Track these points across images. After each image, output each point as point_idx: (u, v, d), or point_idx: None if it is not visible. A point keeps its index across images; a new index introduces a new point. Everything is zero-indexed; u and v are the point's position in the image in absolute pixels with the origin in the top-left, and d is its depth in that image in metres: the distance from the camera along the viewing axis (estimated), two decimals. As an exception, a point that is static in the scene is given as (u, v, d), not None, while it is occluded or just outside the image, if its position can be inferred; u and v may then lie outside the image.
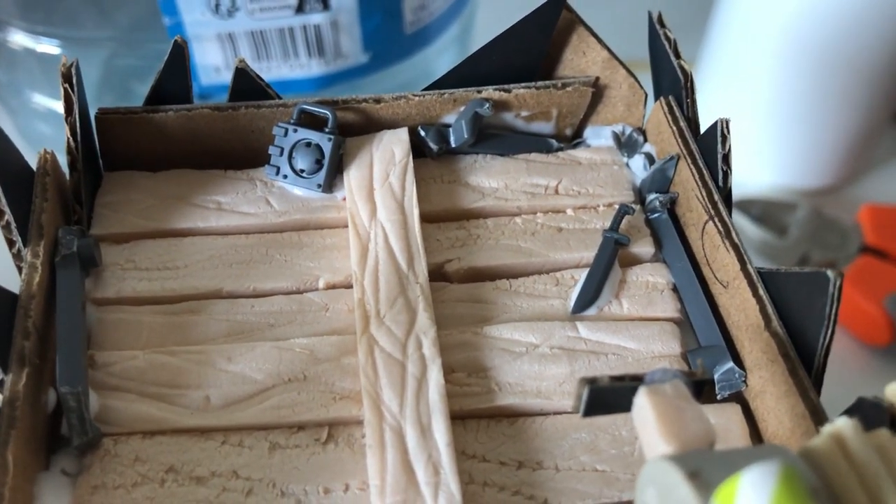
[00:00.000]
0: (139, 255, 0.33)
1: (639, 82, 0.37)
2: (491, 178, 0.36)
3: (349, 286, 0.32)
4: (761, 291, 0.30)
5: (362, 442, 0.28)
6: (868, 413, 0.24)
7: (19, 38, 0.47)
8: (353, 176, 0.34)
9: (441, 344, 0.30)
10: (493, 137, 0.37)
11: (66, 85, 0.32)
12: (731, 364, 0.31)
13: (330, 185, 0.34)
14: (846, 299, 0.47)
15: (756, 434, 0.30)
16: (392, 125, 0.36)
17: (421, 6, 0.49)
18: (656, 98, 0.37)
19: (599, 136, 0.38)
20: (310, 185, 0.34)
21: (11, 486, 0.24)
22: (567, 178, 0.36)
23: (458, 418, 0.29)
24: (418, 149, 0.36)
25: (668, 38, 0.35)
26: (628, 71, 0.37)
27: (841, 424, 0.21)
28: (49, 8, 0.45)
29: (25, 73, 0.49)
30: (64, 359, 0.28)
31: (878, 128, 0.54)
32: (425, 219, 0.34)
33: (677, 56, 0.35)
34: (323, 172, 0.34)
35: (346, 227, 0.34)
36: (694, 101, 0.35)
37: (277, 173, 0.35)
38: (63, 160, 0.33)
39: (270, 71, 0.47)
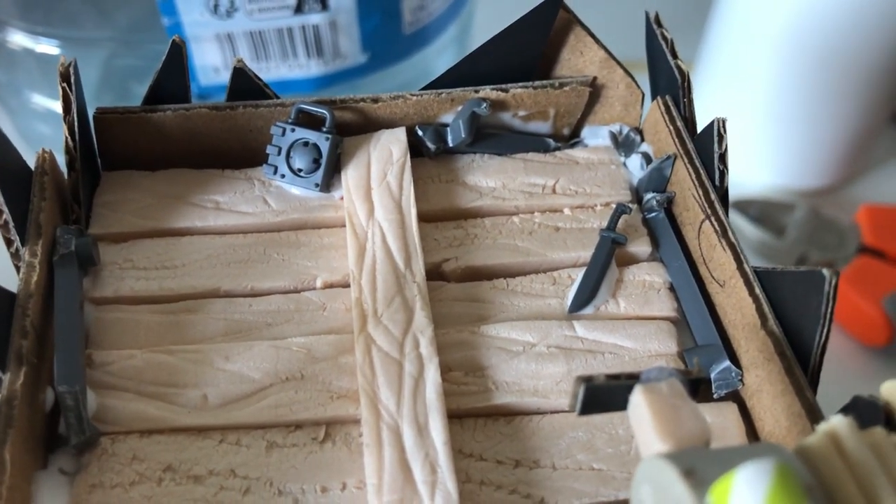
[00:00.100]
0: (137, 255, 0.33)
1: (636, 82, 0.37)
2: (488, 178, 0.36)
3: (347, 285, 0.33)
4: (757, 290, 0.30)
5: (359, 441, 0.29)
6: (863, 411, 0.24)
7: (18, 39, 0.47)
8: (350, 175, 0.34)
9: (438, 343, 0.30)
10: (491, 137, 0.37)
11: (65, 84, 0.32)
12: (727, 363, 0.31)
13: (327, 184, 0.35)
14: (844, 300, 0.47)
15: (752, 433, 0.30)
16: (390, 125, 0.36)
17: (420, 6, 0.49)
18: (653, 98, 0.38)
19: (597, 136, 0.38)
20: (307, 185, 0.34)
21: (9, 485, 0.24)
22: (564, 178, 0.36)
23: (455, 417, 0.29)
24: (416, 148, 0.36)
25: (665, 38, 0.35)
26: (625, 71, 0.37)
27: (836, 423, 0.21)
28: (48, 8, 0.45)
29: (24, 74, 0.49)
30: (62, 358, 0.28)
31: (876, 128, 0.54)
32: (423, 218, 0.34)
33: (674, 56, 0.35)
34: (320, 172, 0.34)
35: (344, 226, 0.34)
36: (691, 101, 0.35)
37: (275, 173, 0.35)
38: (62, 160, 0.33)
39: (269, 71, 0.48)
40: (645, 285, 0.33)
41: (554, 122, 0.38)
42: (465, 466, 0.28)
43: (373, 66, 0.50)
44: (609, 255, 0.33)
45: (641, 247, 0.34)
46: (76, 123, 0.32)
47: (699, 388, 0.23)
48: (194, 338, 0.31)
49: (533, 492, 0.28)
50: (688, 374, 0.23)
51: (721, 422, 0.29)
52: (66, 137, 0.32)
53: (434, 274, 0.33)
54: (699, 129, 0.34)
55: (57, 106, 0.49)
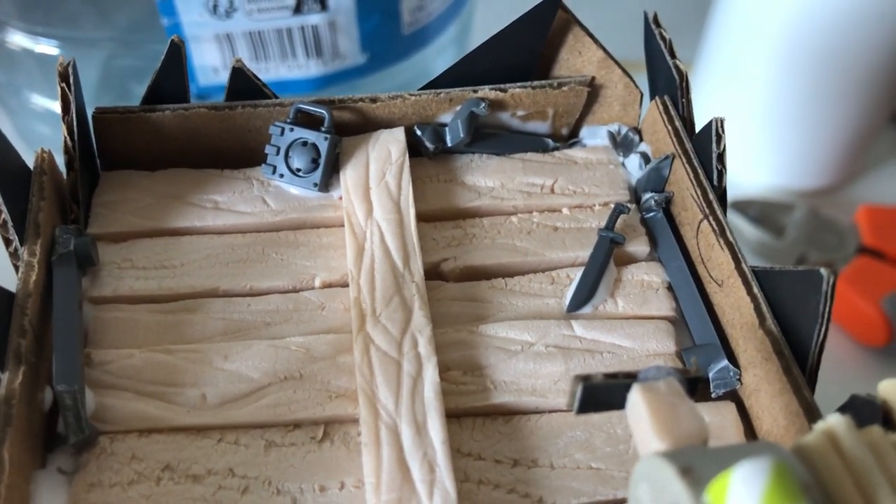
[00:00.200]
0: (136, 254, 0.33)
1: (634, 82, 0.37)
2: (487, 178, 0.36)
3: (345, 285, 0.33)
4: (755, 290, 0.30)
5: (358, 440, 0.29)
6: (861, 410, 0.24)
7: (18, 39, 0.47)
8: (349, 175, 0.34)
9: (437, 342, 0.30)
10: (490, 137, 0.37)
11: (64, 84, 0.32)
12: (725, 362, 0.31)
13: (326, 184, 0.35)
14: (844, 300, 0.47)
15: (751, 432, 0.30)
16: (388, 124, 0.36)
17: (419, 7, 0.49)
18: (652, 98, 0.38)
19: (595, 136, 0.38)
20: (306, 185, 0.34)
21: (8, 483, 0.24)
22: (563, 178, 0.36)
23: (453, 416, 0.29)
24: (414, 148, 0.36)
25: (663, 38, 0.35)
26: (624, 71, 0.37)
27: (833, 421, 0.21)
28: (48, 8, 0.45)
29: (24, 74, 0.50)
30: (60, 357, 0.28)
31: (875, 128, 0.54)
32: (421, 218, 0.34)
33: (673, 56, 0.35)
34: (319, 171, 0.34)
35: (343, 226, 0.34)
36: (689, 101, 0.35)
37: (274, 172, 0.35)
38: (60, 160, 0.33)
39: (268, 71, 0.48)
40: (643, 285, 0.33)
41: (552, 121, 0.38)
42: (463, 465, 0.28)
43: (372, 66, 0.50)
44: (607, 255, 0.33)
45: (640, 246, 0.34)
46: (75, 123, 0.32)
47: (697, 388, 0.23)
48: (193, 337, 0.31)
49: (531, 491, 0.28)
50: (686, 374, 0.23)
51: (719, 421, 0.29)
52: (65, 137, 0.32)
53: (432, 273, 0.33)
54: (698, 128, 0.34)
55: (56, 106, 0.49)
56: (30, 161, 0.32)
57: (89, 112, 0.35)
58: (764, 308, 0.29)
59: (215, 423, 0.29)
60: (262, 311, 0.32)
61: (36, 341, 0.28)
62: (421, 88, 0.36)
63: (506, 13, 0.36)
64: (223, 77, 0.47)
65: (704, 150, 0.33)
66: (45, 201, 0.31)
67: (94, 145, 0.36)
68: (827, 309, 0.27)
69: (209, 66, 0.47)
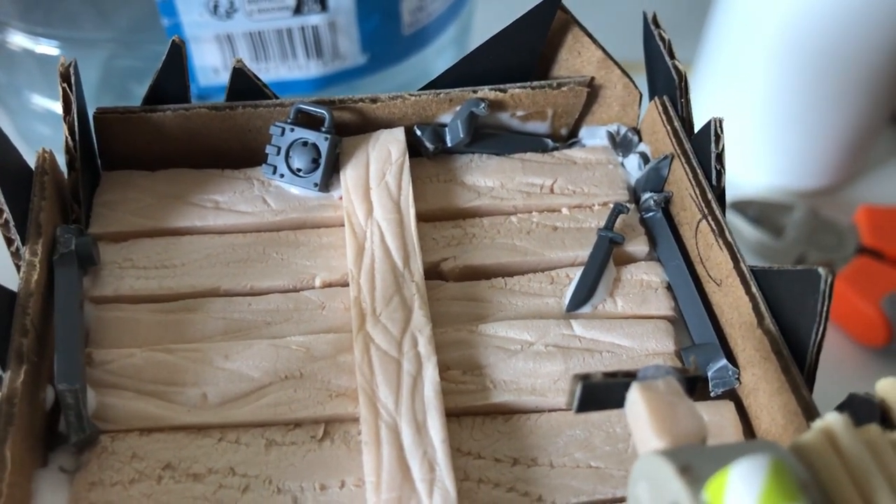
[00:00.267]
0: (137, 254, 0.33)
1: (633, 82, 0.37)
2: (487, 178, 0.36)
3: (345, 284, 0.33)
4: (754, 289, 0.30)
5: (358, 439, 0.29)
6: (859, 409, 0.24)
7: (18, 39, 0.47)
8: (349, 175, 0.34)
9: (436, 342, 0.30)
10: (489, 137, 0.37)
11: (65, 84, 0.33)
12: (724, 361, 0.31)
13: (326, 184, 0.35)
14: (843, 300, 0.47)
15: (749, 431, 0.30)
16: (388, 125, 0.36)
17: (419, 7, 0.49)
18: (651, 98, 0.38)
19: (594, 136, 0.38)
20: (306, 185, 0.35)
21: (9, 482, 0.24)
22: (562, 178, 0.36)
23: (453, 415, 0.29)
24: (414, 148, 0.36)
25: (662, 39, 0.35)
26: (623, 71, 0.37)
27: (831, 420, 0.21)
28: (48, 9, 0.46)
29: (24, 74, 0.50)
30: (62, 356, 0.28)
31: (874, 129, 0.54)
32: (421, 218, 0.34)
33: (672, 56, 0.35)
34: (319, 171, 0.34)
35: (343, 225, 0.34)
36: (688, 101, 0.35)
37: (274, 172, 0.35)
38: (62, 160, 0.33)
39: (269, 72, 0.48)
40: (642, 284, 0.33)
41: (552, 122, 0.38)
42: (463, 464, 0.28)
43: (372, 66, 0.50)
44: (607, 255, 0.33)
45: (639, 246, 0.34)
46: (76, 123, 0.33)
47: (696, 387, 0.24)
48: (194, 337, 0.31)
49: (531, 489, 0.28)
50: (685, 373, 0.23)
51: (718, 420, 0.30)
52: (66, 137, 0.32)
53: (432, 273, 0.34)
54: (697, 129, 0.35)
55: (57, 106, 0.49)
56: (31, 161, 0.32)
57: (90, 112, 0.35)
58: (762, 307, 0.30)
59: (216, 422, 0.29)
60: (263, 310, 0.32)
61: (38, 340, 0.28)
62: (421, 89, 0.36)
63: (505, 14, 0.36)
64: (223, 77, 0.47)
65: (703, 150, 0.33)
66: (47, 201, 0.31)
67: (96, 145, 0.36)
68: (825, 308, 0.27)
69: (209, 66, 0.47)
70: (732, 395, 0.31)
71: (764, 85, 0.52)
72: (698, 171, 0.33)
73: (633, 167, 0.37)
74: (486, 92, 0.36)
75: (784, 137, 0.54)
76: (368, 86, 0.50)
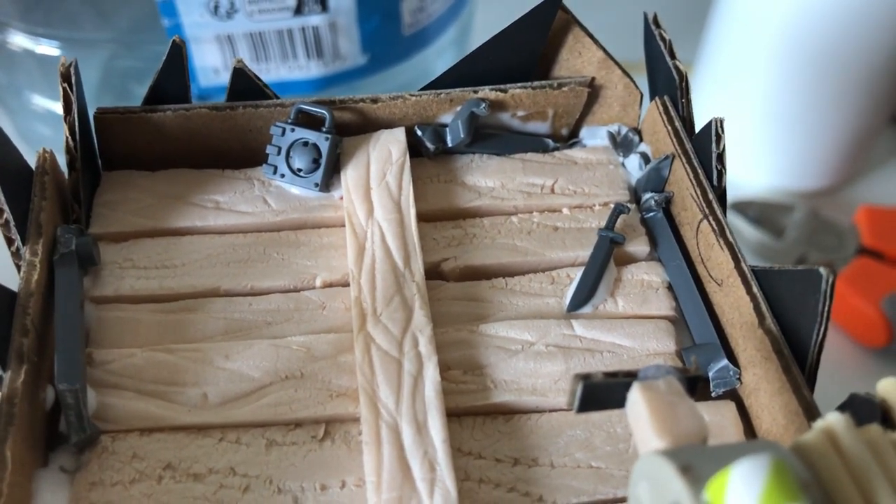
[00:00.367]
0: (137, 254, 0.33)
1: (634, 82, 0.37)
2: (487, 178, 0.36)
3: (346, 284, 0.33)
4: (755, 289, 0.30)
5: (359, 439, 0.29)
6: (860, 409, 0.24)
7: (19, 40, 0.47)
8: (350, 175, 0.34)
9: (437, 342, 0.30)
10: (490, 137, 0.37)
11: (65, 84, 0.33)
12: (725, 361, 0.31)
13: (327, 184, 0.35)
14: (843, 301, 0.47)
15: (750, 431, 0.30)
16: (389, 125, 0.36)
17: (419, 8, 0.49)
18: (652, 98, 0.38)
19: (595, 136, 0.38)
20: (307, 185, 0.34)
21: (10, 482, 0.24)
22: (563, 178, 0.36)
23: (453, 415, 0.29)
24: (415, 148, 0.36)
25: (663, 39, 0.35)
26: (624, 71, 0.37)
27: (832, 420, 0.21)
28: (49, 9, 0.46)
29: (25, 75, 0.50)
30: (62, 356, 0.28)
31: (875, 129, 0.54)
32: (422, 218, 0.34)
33: (672, 56, 0.35)
34: (320, 172, 0.34)
35: (343, 226, 0.34)
36: (689, 101, 0.35)
37: (275, 172, 0.35)
38: (62, 160, 0.33)
39: (269, 72, 0.48)
40: (643, 284, 0.33)
41: (552, 122, 0.38)
42: (463, 464, 0.28)
43: (372, 67, 0.50)
44: (607, 255, 0.33)
45: (640, 246, 0.34)
46: (77, 123, 0.33)
47: (697, 387, 0.23)
48: (194, 337, 0.31)
49: (531, 490, 0.28)
50: (685, 373, 0.23)
51: (719, 420, 0.30)
52: (67, 137, 0.32)
53: (433, 273, 0.34)
54: (697, 129, 0.35)
55: (57, 107, 0.49)
56: (31, 161, 0.32)
57: (91, 112, 0.35)
58: (763, 307, 0.30)
59: (216, 422, 0.29)
60: (263, 310, 0.32)
61: (38, 340, 0.28)
62: (422, 89, 0.36)
63: (506, 15, 0.36)
64: (224, 78, 0.47)
65: (704, 150, 0.33)
66: (47, 201, 0.31)
67: (96, 145, 0.36)
68: (826, 308, 0.27)
69: (210, 66, 0.47)
70: (733, 396, 0.31)
71: (764, 85, 0.52)
72: (699, 171, 0.33)
73: (633, 167, 0.37)
74: (486, 92, 0.36)
75: (784, 138, 0.54)
76: (369, 86, 0.50)
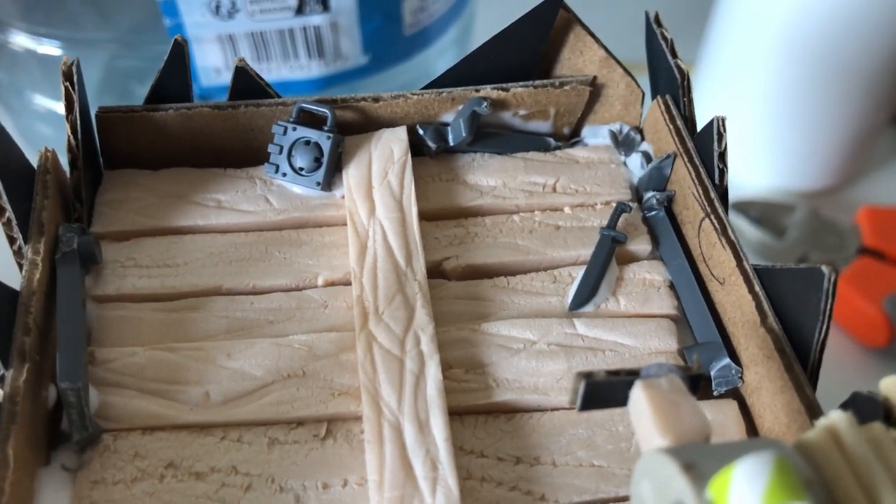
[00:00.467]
0: (139, 253, 0.33)
1: (636, 81, 0.37)
2: (489, 177, 0.36)
3: (348, 283, 0.33)
4: (757, 288, 0.30)
5: (361, 437, 0.29)
6: (862, 407, 0.24)
7: (20, 40, 0.47)
8: (351, 174, 0.34)
9: (439, 340, 0.30)
10: (492, 136, 0.37)
11: (67, 83, 0.33)
12: (727, 360, 0.31)
13: (329, 183, 0.35)
14: (845, 300, 0.47)
15: (752, 429, 0.30)
16: (391, 124, 0.36)
17: (420, 8, 0.49)
18: (653, 97, 0.38)
19: (597, 135, 0.38)
20: (309, 184, 0.35)
21: (12, 480, 0.24)
22: (565, 177, 0.36)
23: (455, 414, 0.29)
24: (417, 147, 0.36)
25: (664, 38, 0.35)
26: (625, 70, 0.37)
27: (835, 418, 0.21)
28: (50, 9, 0.46)
29: (26, 75, 0.50)
30: (64, 355, 0.28)
31: (876, 129, 0.54)
32: (424, 217, 0.34)
33: (674, 55, 0.35)
34: (322, 170, 0.34)
35: (345, 224, 0.34)
36: (690, 100, 0.35)
37: (277, 171, 0.35)
38: (64, 159, 0.33)
39: (270, 72, 0.48)
40: (645, 283, 0.33)
41: (554, 121, 0.38)
42: (465, 463, 0.28)
43: (374, 67, 0.50)
44: (609, 254, 0.33)
45: (641, 245, 0.34)
46: (79, 122, 0.33)
47: (699, 385, 0.23)
48: (196, 335, 0.31)
49: (533, 488, 0.28)
50: (688, 371, 0.23)
51: (721, 419, 0.30)
52: (69, 136, 0.32)
53: (435, 272, 0.34)
54: (699, 128, 0.35)
55: (58, 107, 0.49)
56: (32, 161, 0.32)
57: (92, 112, 0.35)
58: (765, 306, 0.30)
59: (218, 420, 0.29)
60: (266, 309, 0.32)
61: (40, 339, 0.28)
62: (423, 88, 0.36)
63: (507, 15, 0.36)
64: (225, 78, 0.47)
65: (706, 149, 0.33)
66: (49, 200, 0.31)
67: (98, 144, 0.36)
68: (828, 306, 0.27)
69: (211, 66, 0.47)
70: (735, 394, 0.31)
71: (765, 85, 0.52)
72: (701, 169, 0.33)
73: (635, 166, 0.37)
74: (488, 91, 0.36)
75: (785, 138, 0.54)
76: (370, 86, 0.50)
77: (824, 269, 0.27)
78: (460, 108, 0.36)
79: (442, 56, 0.54)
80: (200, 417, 0.29)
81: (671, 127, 0.35)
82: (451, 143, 0.36)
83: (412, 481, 0.27)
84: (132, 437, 0.28)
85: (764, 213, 0.52)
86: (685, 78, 0.35)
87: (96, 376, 0.29)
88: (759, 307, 0.30)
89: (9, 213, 0.30)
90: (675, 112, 0.36)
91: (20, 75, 0.50)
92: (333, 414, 0.29)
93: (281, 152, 0.35)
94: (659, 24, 0.36)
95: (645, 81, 0.38)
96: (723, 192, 0.33)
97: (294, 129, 0.35)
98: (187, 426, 0.29)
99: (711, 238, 0.32)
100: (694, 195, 0.33)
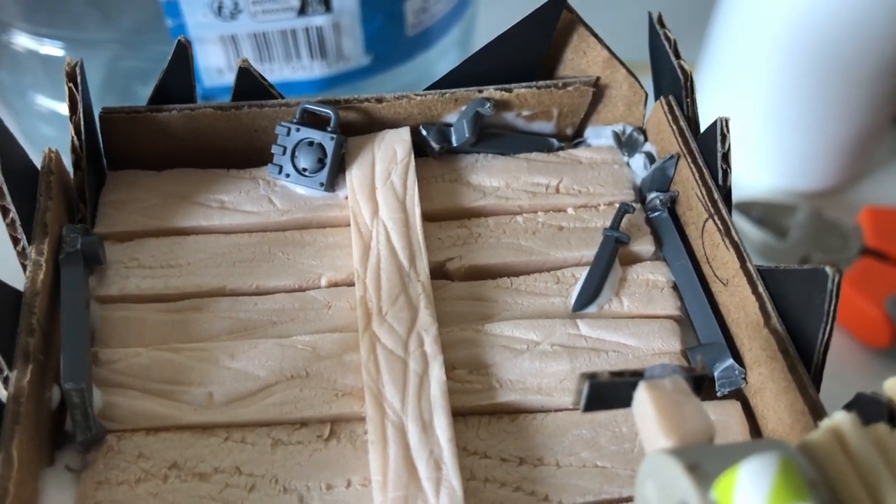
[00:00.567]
0: (143, 254, 0.33)
1: (639, 82, 0.37)
2: (492, 177, 0.36)
3: (351, 284, 0.33)
4: (760, 289, 0.30)
5: (364, 438, 0.29)
6: (866, 408, 0.24)
7: (23, 40, 0.47)
8: (355, 175, 0.34)
9: (442, 341, 0.30)
10: (495, 137, 0.37)
11: (71, 84, 0.33)
12: (730, 361, 0.31)
13: (332, 183, 0.35)
14: (847, 301, 0.47)
15: (756, 430, 0.30)
16: (394, 124, 0.36)
17: (422, 9, 0.49)
18: (656, 98, 0.38)
19: (600, 136, 0.38)
20: (312, 184, 0.35)
21: (16, 481, 0.24)
22: (568, 178, 0.36)
23: (459, 415, 0.29)
24: (420, 148, 0.36)
25: (668, 38, 0.35)
26: (628, 71, 0.37)
27: (839, 419, 0.21)
28: (52, 10, 0.46)
29: (29, 75, 0.50)
30: (68, 355, 0.28)
31: (878, 130, 0.54)
32: (427, 217, 0.34)
33: (677, 56, 0.35)
34: (325, 171, 0.34)
35: (349, 225, 0.34)
36: (694, 101, 0.35)
37: (280, 172, 0.35)
38: (67, 160, 0.33)
39: (273, 73, 0.48)
40: (648, 284, 0.33)
41: (557, 121, 0.38)
42: (469, 464, 0.28)
43: (376, 67, 0.50)
44: (612, 255, 0.33)
45: (645, 246, 0.34)
46: (82, 123, 0.33)
47: (703, 386, 0.23)
48: (200, 336, 0.31)
49: (537, 489, 0.28)
50: (691, 372, 0.23)
51: (724, 419, 0.30)
52: (73, 137, 0.32)
53: (438, 273, 0.34)
54: (702, 129, 0.35)
55: (61, 107, 0.49)
56: (35, 161, 0.32)
57: (95, 113, 0.35)
58: (769, 307, 0.30)
59: (222, 421, 0.29)
60: (269, 309, 0.32)
61: (44, 340, 0.28)
62: (426, 88, 0.36)
63: (508, 16, 0.36)
64: (228, 78, 0.47)
65: (709, 149, 0.33)
66: (53, 201, 0.31)
67: (101, 145, 0.36)
68: (832, 307, 0.27)
69: (214, 67, 0.47)
70: (739, 395, 0.31)
71: (767, 86, 0.52)
72: (704, 170, 0.33)
73: (638, 167, 0.37)
74: (491, 92, 0.36)
75: (788, 138, 0.54)
76: (372, 87, 0.51)
77: (828, 270, 0.27)
78: (463, 108, 0.36)
79: (444, 56, 0.54)
80: (204, 418, 0.29)
81: (674, 128, 0.35)
82: (455, 144, 0.36)
83: (416, 482, 0.27)
84: (136, 437, 0.28)
85: (766, 213, 0.52)
86: (688, 79, 0.35)
87: (100, 377, 0.29)
88: (762, 308, 0.30)
89: (13, 213, 0.30)
90: (678, 113, 0.36)
91: (22, 76, 0.50)
92: (337, 415, 0.29)
93: (284, 153, 0.35)
94: (662, 25, 0.36)
95: (648, 82, 0.38)
96: (726, 193, 0.33)
97: (297, 129, 0.35)
98: (191, 427, 0.29)
99: (715, 239, 0.32)
100: (697, 196, 0.33)
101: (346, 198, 0.35)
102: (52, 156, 0.33)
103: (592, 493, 0.28)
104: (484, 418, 0.30)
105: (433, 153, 0.37)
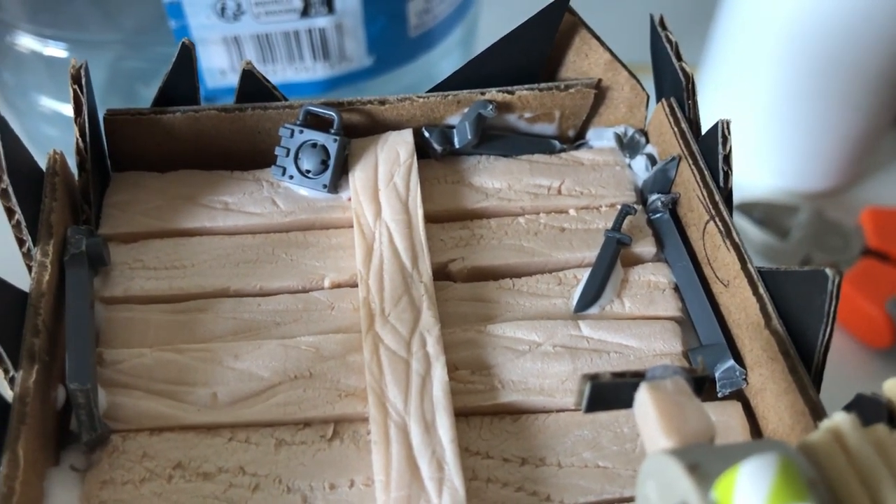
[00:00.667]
0: (147, 255, 0.33)
1: (640, 84, 0.37)
2: (494, 179, 0.36)
3: (354, 285, 0.33)
4: (761, 290, 0.30)
5: (367, 438, 0.29)
6: (866, 409, 0.25)
7: (26, 41, 0.47)
8: (358, 176, 0.35)
9: (445, 342, 0.31)
10: (497, 138, 0.37)
11: (76, 86, 0.33)
12: (731, 362, 0.31)
13: (335, 185, 0.35)
14: (848, 302, 0.47)
15: (756, 431, 0.30)
16: (397, 126, 0.37)
17: (425, 10, 0.49)
18: (658, 100, 0.38)
19: (602, 138, 0.38)
20: (315, 186, 0.35)
21: (22, 480, 0.25)
22: (570, 179, 0.36)
23: (461, 415, 0.30)
24: (422, 150, 0.37)
25: (669, 41, 0.35)
26: (630, 73, 0.37)
27: (839, 419, 0.21)
28: (56, 11, 0.46)
29: (32, 76, 0.50)
30: (73, 356, 0.28)
31: (879, 131, 0.54)
32: (429, 219, 0.35)
33: (679, 58, 0.35)
34: (328, 173, 0.34)
35: (352, 226, 0.34)
36: (695, 103, 0.35)
37: (283, 174, 0.35)
38: (72, 162, 0.33)
39: (276, 74, 0.48)
40: (650, 285, 0.33)
41: (559, 123, 0.38)
42: (471, 464, 0.28)
43: (378, 68, 0.50)
44: (614, 256, 0.33)
45: (646, 247, 0.34)
46: (87, 125, 0.33)
47: (704, 387, 0.24)
48: (204, 336, 0.31)
49: (539, 489, 0.28)
50: (692, 373, 0.23)
51: (725, 420, 0.30)
52: (77, 139, 0.33)
53: (440, 274, 0.34)
54: (704, 130, 0.35)
55: (64, 109, 0.49)
56: (40, 163, 0.33)
57: (99, 114, 0.35)
58: (770, 308, 0.30)
59: (226, 421, 0.29)
60: (272, 310, 0.32)
61: (49, 340, 0.29)
62: (429, 90, 0.36)
63: (510, 17, 0.37)
64: (231, 79, 0.48)
65: (710, 151, 0.34)
66: (58, 202, 0.32)
67: (105, 147, 0.36)
68: (832, 308, 0.27)
69: (216, 68, 0.47)
70: (740, 396, 0.31)
71: (769, 87, 0.52)
72: (705, 172, 0.34)
73: (640, 168, 0.37)
74: (493, 94, 0.36)
75: (789, 139, 0.54)
76: (374, 88, 0.51)
77: (828, 271, 0.27)
78: (466, 110, 0.36)
79: (446, 58, 0.54)
80: (208, 418, 0.29)
81: (676, 129, 0.35)
82: (457, 146, 0.36)
83: (418, 482, 0.27)
84: (140, 437, 0.28)
85: (767, 214, 0.52)
86: (690, 81, 0.35)
87: (105, 377, 0.29)
88: (763, 309, 0.30)
89: (18, 215, 0.30)
90: (679, 114, 0.36)
91: (26, 77, 0.50)
92: (340, 415, 0.29)
93: (288, 155, 0.35)
94: (664, 27, 0.36)
95: (649, 84, 0.38)
96: (727, 195, 0.33)
97: (301, 131, 0.35)
98: (195, 427, 0.29)
99: (716, 240, 0.32)
100: (698, 197, 0.34)
101: (350, 199, 0.35)
102: (57, 157, 0.33)
103: (594, 493, 0.28)
104: (486, 419, 0.30)
105: (436, 155, 0.37)
